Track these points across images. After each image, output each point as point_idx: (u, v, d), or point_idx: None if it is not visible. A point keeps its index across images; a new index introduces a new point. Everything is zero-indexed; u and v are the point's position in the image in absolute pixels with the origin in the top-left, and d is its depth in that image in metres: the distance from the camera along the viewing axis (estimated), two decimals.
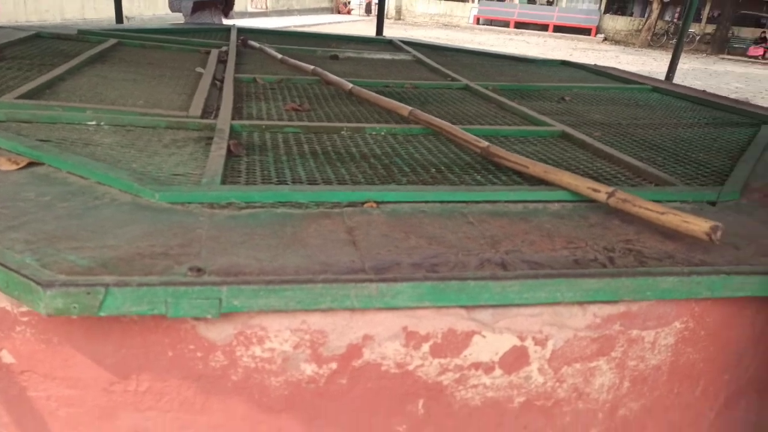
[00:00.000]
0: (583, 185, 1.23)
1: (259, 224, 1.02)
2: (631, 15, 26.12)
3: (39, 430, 0.93)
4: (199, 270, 0.84)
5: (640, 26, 23.66)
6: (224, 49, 2.90)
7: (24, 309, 0.86)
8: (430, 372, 0.93)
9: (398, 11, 27.23)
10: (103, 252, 0.87)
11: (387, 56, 3.30)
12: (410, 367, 0.92)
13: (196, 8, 4.32)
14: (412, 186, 1.26)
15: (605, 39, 23.79)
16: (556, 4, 25.59)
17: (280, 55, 2.75)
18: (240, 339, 0.87)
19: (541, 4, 26.02)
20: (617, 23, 25.03)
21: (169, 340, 0.87)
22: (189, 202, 1.08)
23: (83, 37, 2.89)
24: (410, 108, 1.78)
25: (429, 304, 0.89)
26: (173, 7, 4.44)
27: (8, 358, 0.89)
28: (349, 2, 27.83)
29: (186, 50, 2.91)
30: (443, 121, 1.65)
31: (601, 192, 1.19)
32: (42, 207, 1.01)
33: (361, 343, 0.89)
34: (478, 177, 1.37)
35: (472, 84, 2.52)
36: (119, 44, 2.80)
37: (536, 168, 1.33)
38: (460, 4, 27.05)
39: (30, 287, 0.78)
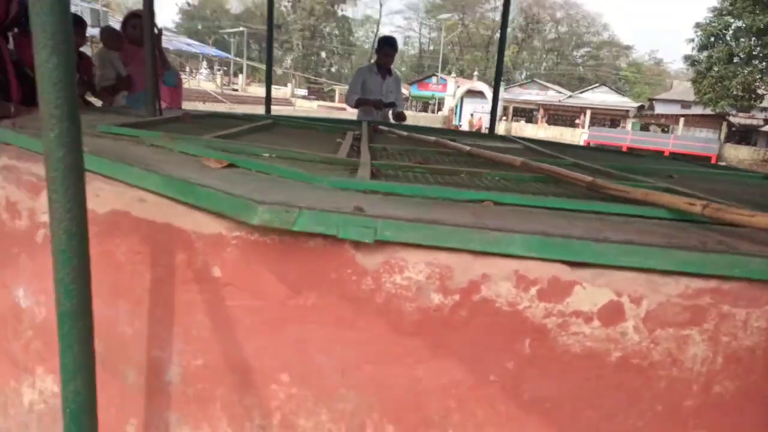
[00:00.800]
0: (680, 201, 1.40)
1: (401, 203, 1.30)
2: (755, 145, 25.24)
3: (228, 333, 1.22)
4: (361, 209, 1.13)
5: (766, 156, 22.72)
6: (358, 132, 3.39)
7: (235, 234, 1.18)
8: (536, 314, 1.11)
9: (507, 134, 28.31)
10: (296, 201, 1.19)
11: (500, 144, 3.64)
12: (519, 307, 1.11)
13: (359, 104, 4.93)
14: (526, 194, 1.50)
15: None
16: (672, 132, 25.41)
17: (405, 132, 3.18)
18: (386, 267, 1.13)
19: (655, 131, 25.96)
20: (740, 152, 24.26)
21: (334, 265, 1.14)
22: (348, 188, 1.39)
23: (248, 116, 3.54)
24: (522, 159, 2.05)
25: (536, 255, 1.10)
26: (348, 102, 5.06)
27: (217, 272, 1.21)
28: (459, 126, 29.50)
29: (329, 131, 3.45)
30: (551, 166, 1.90)
31: (696, 205, 1.36)
32: (244, 182, 1.37)
33: (479, 280, 1.11)
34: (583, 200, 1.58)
35: (580, 161, 2.75)
36: (275, 123, 3.39)
37: (637, 193, 1.52)
38: (570, 129, 27.68)
39: (249, 205, 1.10)
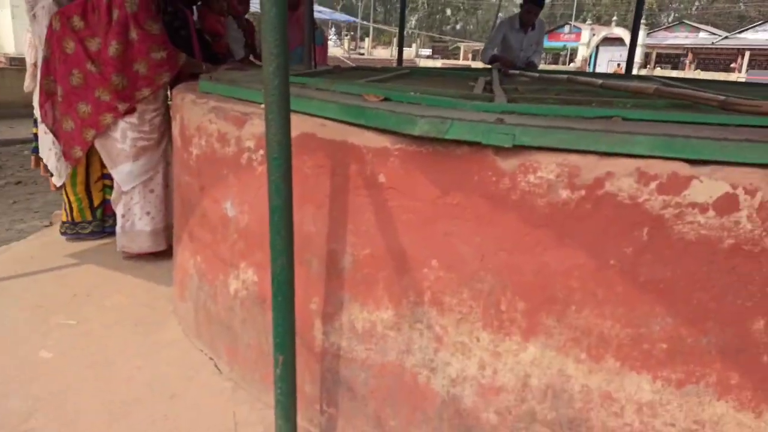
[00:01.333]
0: None
1: (536, 119, 1.51)
2: None
3: (389, 227, 1.53)
4: (502, 120, 1.36)
5: None
6: (489, 78, 3.55)
7: (397, 146, 1.47)
8: (655, 206, 1.28)
9: None
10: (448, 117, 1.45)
11: (635, 82, 3.60)
12: (639, 200, 1.29)
13: (492, 61, 4.96)
14: (652, 110, 1.62)
15: None
16: None
17: (537, 74, 3.29)
18: (521, 168, 1.36)
19: None
20: None
21: (477, 168, 1.40)
22: (488, 111, 1.62)
23: (386, 68, 3.84)
24: (655, 86, 2.12)
25: (658, 154, 1.26)
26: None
27: (382, 178, 1.52)
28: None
29: (461, 77, 3.65)
30: (684, 90, 1.97)
31: None
32: (401, 108, 1.65)
33: (604, 177, 1.30)
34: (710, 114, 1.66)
35: (718, 92, 2.70)
36: (412, 72, 3.66)
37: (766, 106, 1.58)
38: (724, 74, 24.89)
39: (411, 119, 1.39)
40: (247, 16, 4.16)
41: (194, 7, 3.31)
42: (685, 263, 1.30)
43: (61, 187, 3.23)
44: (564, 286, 1.39)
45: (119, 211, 3.00)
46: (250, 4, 4.38)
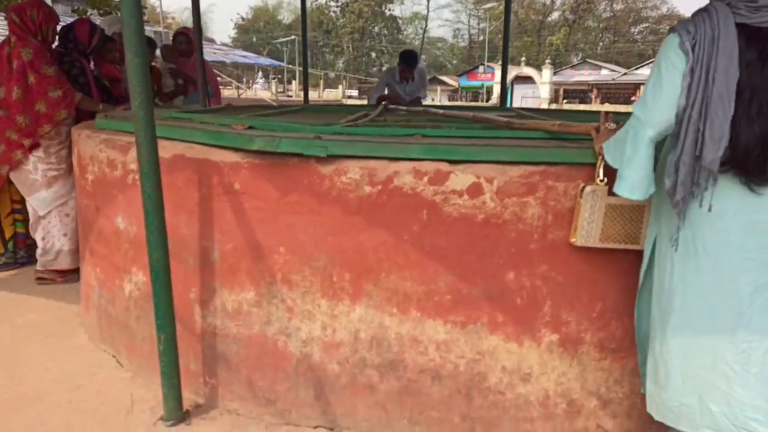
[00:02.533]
0: (542, 123, 2.01)
1: (354, 137, 1.99)
2: None
3: (246, 224, 1.95)
4: (319, 137, 1.84)
5: None
6: (371, 111, 4.09)
7: (246, 160, 1.91)
8: (428, 193, 1.78)
9: None
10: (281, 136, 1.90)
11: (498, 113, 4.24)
12: (418, 190, 1.78)
13: (379, 101, 5.51)
14: (445, 129, 2.14)
15: None
16: None
17: (418, 108, 3.85)
18: (336, 172, 1.82)
19: None
20: None
21: (305, 173, 1.85)
22: (322, 132, 2.09)
23: (283, 105, 4.31)
24: (474, 113, 2.68)
25: (427, 157, 1.77)
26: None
27: (237, 186, 1.94)
28: None
29: (349, 111, 4.17)
30: (489, 115, 2.53)
31: (555, 125, 1.97)
32: (255, 133, 2.10)
33: (393, 175, 1.79)
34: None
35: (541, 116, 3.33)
36: (303, 109, 4.15)
37: (530, 123, 2.14)
38: (625, 106, 27.14)
39: (251, 138, 1.83)
40: (154, 64, 4.58)
41: (90, 57, 3.69)
42: (454, 234, 1.80)
43: None
44: (375, 258, 1.85)
45: (39, 235, 3.28)
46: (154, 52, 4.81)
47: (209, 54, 25.15)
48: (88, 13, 7.08)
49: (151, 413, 2.07)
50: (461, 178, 1.77)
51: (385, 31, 63.12)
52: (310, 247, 1.90)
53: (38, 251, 3.30)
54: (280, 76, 42.59)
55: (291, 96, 36.45)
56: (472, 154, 1.77)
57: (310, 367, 1.98)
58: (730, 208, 1.36)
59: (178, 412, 2.01)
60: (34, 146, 3.15)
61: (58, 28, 3.44)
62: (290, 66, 43.41)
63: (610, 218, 1.70)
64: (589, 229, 1.72)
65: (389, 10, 61.88)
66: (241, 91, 30.39)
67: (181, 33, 4.81)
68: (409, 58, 5.33)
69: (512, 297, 1.83)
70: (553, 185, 1.76)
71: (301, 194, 1.88)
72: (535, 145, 1.83)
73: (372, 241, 1.85)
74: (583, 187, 1.69)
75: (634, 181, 1.43)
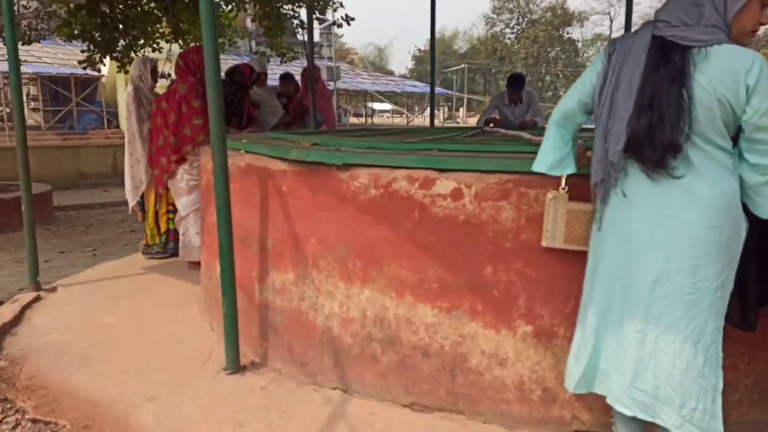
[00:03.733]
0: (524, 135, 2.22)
1: (373, 150, 2.39)
2: None
3: (288, 218, 2.46)
4: (338, 149, 2.28)
5: None
6: (457, 134, 4.40)
7: (290, 168, 2.42)
8: (419, 196, 2.11)
9: None
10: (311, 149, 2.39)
11: None
12: (411, 193, 2.13)
13: (486, 123, 5.85)
14: (458, 144, 2.44)
15: None
16: None
17: (514, 132, 4.11)
18: (350, 177, 2.25)
19: None
20: None
21: (329, 178, 2.30)
22: (351, 147, 2.53)
23: (390, 128, 4.83)
24: (482, 127, 2.91)
25: (419, 166, 2.11)
26: None
27: (284, 188, 2.47)
28: None
29: (434, 132, 4.54)
30: (504, 131, 2.75)
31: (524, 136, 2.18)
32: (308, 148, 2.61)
33: (392, 180, 2.16)
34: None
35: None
36: (403, 131, 4.61)
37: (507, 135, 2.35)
38: None
39: (288, 150, 2.35)
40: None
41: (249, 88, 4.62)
42: (441, 231, 2.11)
43: (144, 219, 4.52)
44: (379, 250, 2.23)
45: (180, 230, 4.19)
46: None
47: (382, 85, 27.21)
48: (267, 54, 8.33)
49: (219, 365, 2.65)
50: (445, 183, 2.08)
51: (563, 56, 61.48)
52: (333, 238, 2.34)
53: (180, 244, 4.19)
54: (450, 103, 43.83)
55: (458, 122, 37.30)
56: (456, 163, 2.07)
57: (331, 338, 2.40)
58: (638, 197, 1.57)
59: (235, 364, 2.56)
60: (181, 161, 4.06)
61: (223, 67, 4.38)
62: (459, 94, 44.48)
63: (570, 222, 1.89)
64: (554, 231, 1.92)
65: (568, 33, 60.21)
66: (409, 119, 31.87)
67: (287, 76, 5.67)
68: (515, 81, 5.50)
69: (490, 289, 2.07)
70: (525, 191, 1.99)
71: (326, 195, 2.33)
72: (511, 156, 2.07)
73: (377, 235, 2.23)
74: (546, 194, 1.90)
75: (544, 157, 1.80)
